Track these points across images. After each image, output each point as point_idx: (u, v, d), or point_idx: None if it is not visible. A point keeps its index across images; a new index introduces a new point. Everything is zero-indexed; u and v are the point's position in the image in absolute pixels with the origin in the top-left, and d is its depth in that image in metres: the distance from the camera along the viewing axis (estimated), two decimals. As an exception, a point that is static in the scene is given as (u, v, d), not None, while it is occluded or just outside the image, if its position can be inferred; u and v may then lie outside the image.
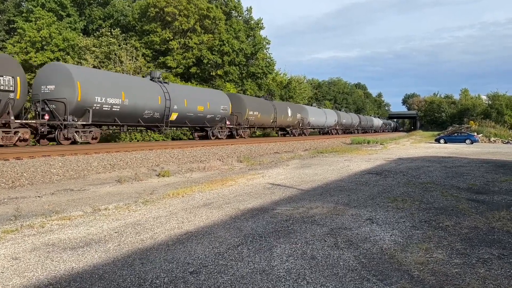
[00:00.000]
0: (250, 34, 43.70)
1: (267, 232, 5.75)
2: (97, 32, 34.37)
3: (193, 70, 37.87)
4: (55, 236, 5.56)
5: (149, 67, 34.09)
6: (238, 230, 5.85)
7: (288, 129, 39.12)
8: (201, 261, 4.53)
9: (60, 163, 12.36)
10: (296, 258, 4.65)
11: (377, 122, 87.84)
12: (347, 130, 62.07)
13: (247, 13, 45.12)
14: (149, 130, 24.28)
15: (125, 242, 5.25)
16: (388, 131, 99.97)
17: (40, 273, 4.18)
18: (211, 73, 38.90)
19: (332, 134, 53.01)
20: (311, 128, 46.01)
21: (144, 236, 5.52)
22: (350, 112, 71.05)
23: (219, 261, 4.55)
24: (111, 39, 32.26)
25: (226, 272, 4.22)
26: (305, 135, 42.18)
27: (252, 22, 44.59)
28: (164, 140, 27.88)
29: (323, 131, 51.85)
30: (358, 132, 67.34)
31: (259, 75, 43.34)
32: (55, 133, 16.88)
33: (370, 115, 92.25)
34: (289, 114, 37.38)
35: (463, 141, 36.64)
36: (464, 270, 4.31)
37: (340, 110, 66.46)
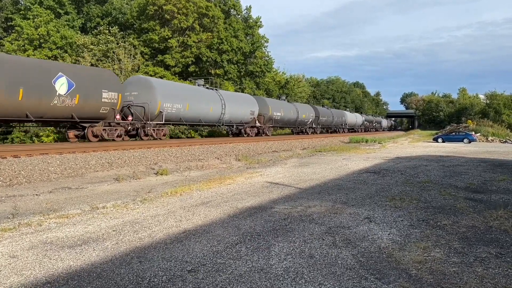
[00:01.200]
0: (249, 33, 43.66)
1: (265, 230, 5.75)
2: (95, 30, 34.29)
3: (191, 68, 37.82)
4: (53, 234, 5.55)
5: (147, 65, 34.04)
6: (236, 228, 5.85)
7: (99, 125, 18.93)
8: (199, 260, 4.52)
9: (58, 161, 12.33)
10: (294, 256, 4.65)
11: (353, 118, 64.83)
12: (294, 129, 42.65)
13: (246, 12, 45.11)
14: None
15: (123, 241, 5.24)
16: (377, 131, 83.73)
17: (38, 271, 4.17)
18: (210, 72, 38.87)
19: (248, 135, 31.06)
20: (187, 125, 25.47)
21: (142, 235, 5.52)
22: (297, 103, 44.98)
23: (217, 259, 4.54)
24: (109, 37, 32.17)
25: (224, 270, 4.22)
26: (156, 138, 21.99)
27: (251, 20, 44.55)
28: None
29: (233, 131, 30.43)
30: (315, 133, 45.98)
31: (257, 73, 43.30)
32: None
33: (344, 109, 71.58)
34: (104, 97, 18.26)
35: (461, 140, 36.73)
36: (462, 269, 4.32)
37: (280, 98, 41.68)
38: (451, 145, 32.32)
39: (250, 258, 4.60)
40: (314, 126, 45.71)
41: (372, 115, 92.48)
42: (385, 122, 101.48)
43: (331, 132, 53.66)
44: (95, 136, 18.73)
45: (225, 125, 28.51)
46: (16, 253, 4.72)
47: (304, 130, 43.95)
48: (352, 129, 65.99)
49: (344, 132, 57.64)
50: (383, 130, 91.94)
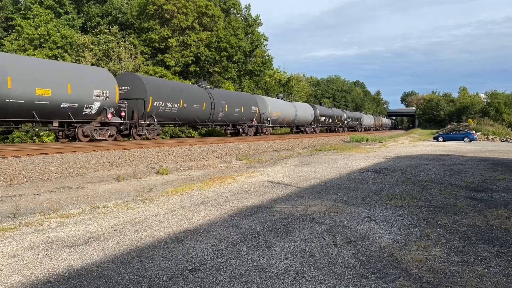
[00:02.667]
0: (249, 31, 43.61)
1: (266, 229, 5.75)
2: (95, 30, 34.27)
3: (192, 68, 37.81)
4: (54, 234, 5.55)
5: (148, 65, 34.03)
6: (237, 227, 5.86)
7: None
8: (200, 259, 4.53)
9: (58, 161, 12.33)
10: (294, 255, 4.66)
11: (288, 110, 36.96)
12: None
13: (246, 11, 45.08)
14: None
15: (123, 240, 5.25)
16: (355, 131, 61.39)
17: (38, 270, 4.17)
18: (209, 70, 38.84)
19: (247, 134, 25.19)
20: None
21: (143, 234, 5.52)
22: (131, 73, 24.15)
23: (217, 258, 4.55)
24: (109, 36, 32.16)
25: (224, 269, 4.22)
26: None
27: (250, 19, 44.52)
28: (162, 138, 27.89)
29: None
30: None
31: (256, 72, 43.25)
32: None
33: (345, 108, 56.54)
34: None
35: (462, 139, 36.70)
36: (463, 268, 4.32)
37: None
38: (452, 144, 32.30)
39: (251, 257, 4.60)
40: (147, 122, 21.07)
41: (344, 110, 64.73)
42: (369, 120, 74.83)
43: (252, 135, 30.04)
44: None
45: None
46: (17, 253, 4.73)
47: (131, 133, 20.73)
48: (298, 129, 42.38)
49: (258, 135, 31.02)
50: (365, 130, 69.65)
